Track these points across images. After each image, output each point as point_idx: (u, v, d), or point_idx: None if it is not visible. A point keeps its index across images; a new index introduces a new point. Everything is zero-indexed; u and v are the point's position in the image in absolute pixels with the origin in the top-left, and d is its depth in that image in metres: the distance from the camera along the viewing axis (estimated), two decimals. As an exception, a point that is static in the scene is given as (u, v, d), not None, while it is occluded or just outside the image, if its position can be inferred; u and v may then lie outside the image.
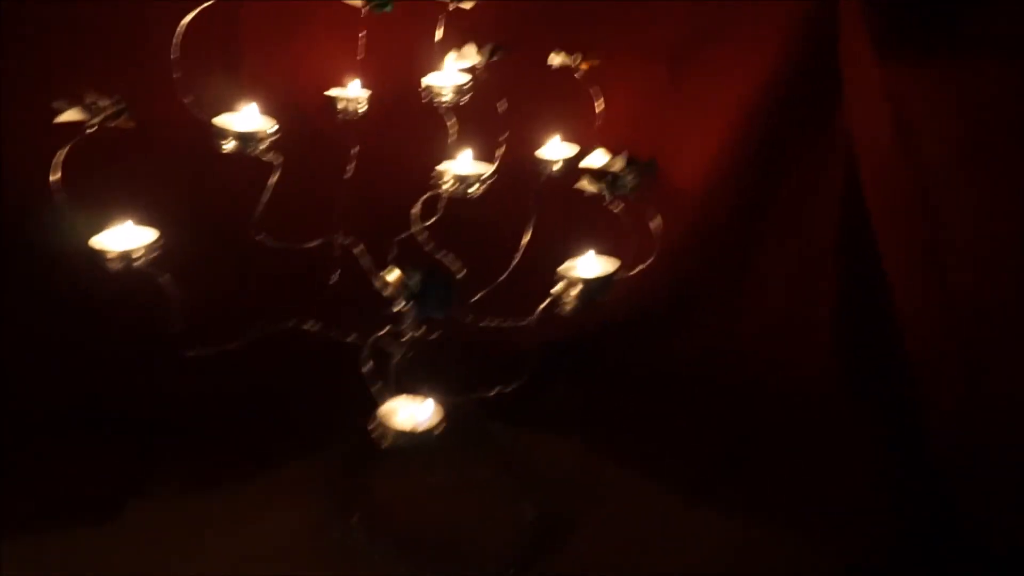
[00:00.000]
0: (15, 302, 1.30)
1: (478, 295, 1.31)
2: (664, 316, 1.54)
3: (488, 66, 1.23)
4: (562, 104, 1.39)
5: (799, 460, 1.36)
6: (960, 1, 1.10)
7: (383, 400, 1.18)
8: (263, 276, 1.38)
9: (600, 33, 1.46)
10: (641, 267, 1.08)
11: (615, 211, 1.15)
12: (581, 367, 1.58)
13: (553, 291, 1.13)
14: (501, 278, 1.31)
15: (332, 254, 1.26)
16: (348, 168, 1.29)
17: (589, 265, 1.03)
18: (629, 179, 1.13)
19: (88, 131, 0.95)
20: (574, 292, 1.00)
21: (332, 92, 1.28)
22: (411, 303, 0.89)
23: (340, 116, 1.26)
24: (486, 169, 1.14)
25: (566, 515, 1.28)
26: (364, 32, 1.28)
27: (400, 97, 1.34)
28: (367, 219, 1.30)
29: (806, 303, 1.42)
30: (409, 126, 1.39)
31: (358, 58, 1.28)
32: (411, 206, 1.30)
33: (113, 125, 0.95)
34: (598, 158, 1.12)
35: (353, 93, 1.28)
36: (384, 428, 0.94)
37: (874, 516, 1.25)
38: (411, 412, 0.95)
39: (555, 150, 1.34)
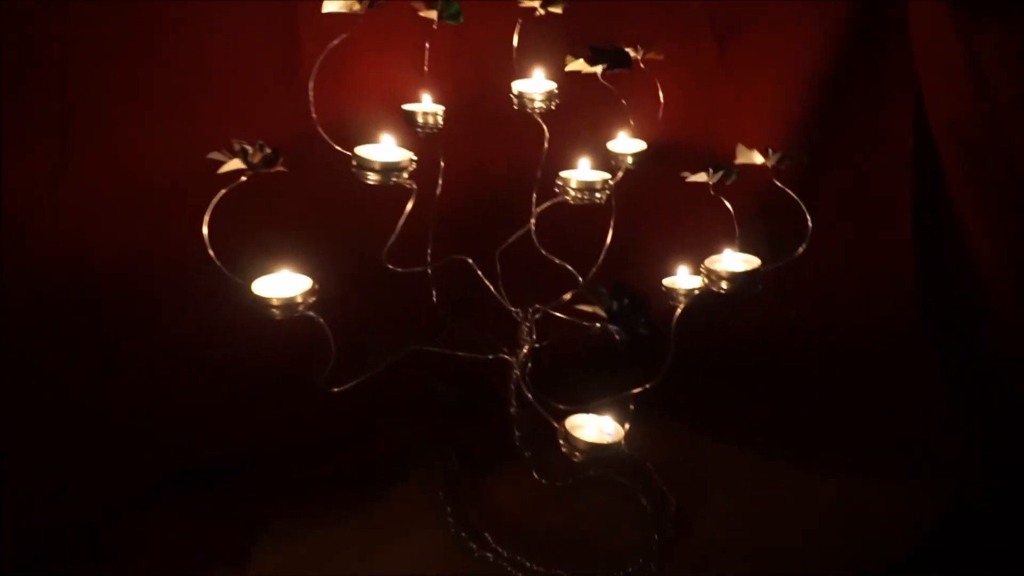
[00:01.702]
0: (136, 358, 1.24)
1: (569, 294, 1.31)
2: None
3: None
4: (614, 97, 1.41)
5: (885, 412, 1.43)
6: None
7: (515, 411, 1.21)
8: (370, 303, 1.35)
9: (645, 19, 1.48)
10: (797, 253, 1.10)
11: (725, 201, 1.17)
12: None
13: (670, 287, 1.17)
14: (591, 273, 1.32)
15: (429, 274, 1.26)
16: (438, 183, 1.26)
17: (732, 261, 1.06)
18: (734, 171, 1.15)
19: (243, 179, 0.92)
20: (725, 288, 1.02)
21: (409, 107, 1.25)
22: (616, 322, 0.90)
23: (420, 131, 1.23)
24: (608, 175, 1.14)
25: (684, 499, 1.32)
26: (428, 44, 1.25)
27: (471, 107, 1.34)
28: (460, 232, 1.30)
29: (883, 259, 1.47)
30: (484, 136, 1.38)
31: (425, 69, 1.26)
32: (496, 216, 1.31)
33: (272, 171, 0.92)
34: (747, 155, 1.14)
35: (430, 107, 1.25)
36: (574, 442, 0.95)
37: (964, 461, 1.33)
38: (597, 426, 0.96)
39: (624, 144, 1.35)
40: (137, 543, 1.21)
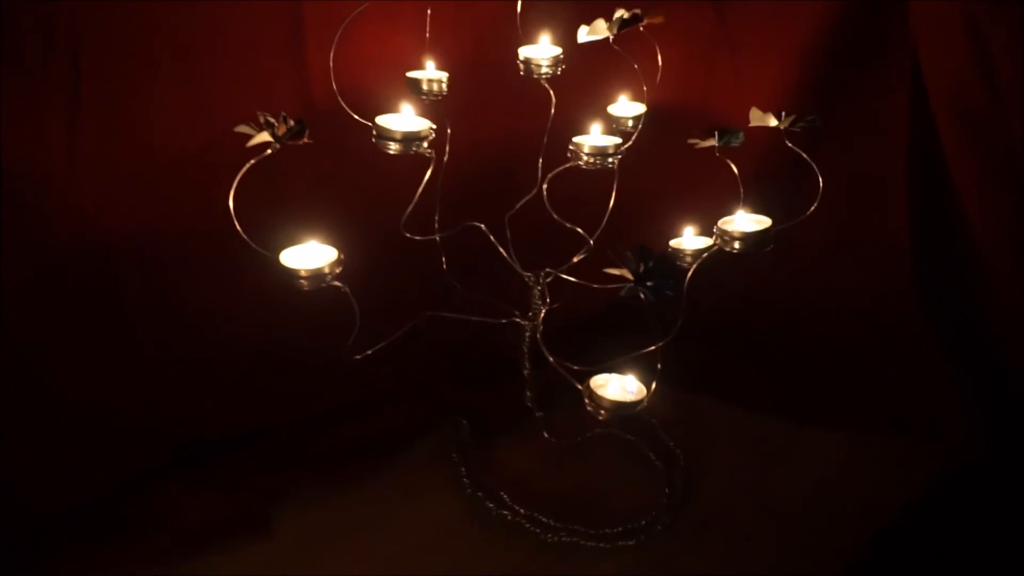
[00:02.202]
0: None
1: (574, 259, 1.34)
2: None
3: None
4: (615, 61, 1.43)
5: (883, 374, 1.48)
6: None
7: (528, 372, 1.24)
8: (383, 271, 1.36)
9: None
10: (804, 216, 1.13)
11: (731, 164, 1.20)
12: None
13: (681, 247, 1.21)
14: (592, 239, 1.34)
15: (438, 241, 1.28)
16: (445, 150, 1.27)
17: (744, 222, 1.09)
18: (739, 134, 1.18)
19: (270, 152, 0.93)
20: (738, 247, 1.05)
21: (413, 74, 1.25)
22: (644, 284, 0.92)
23: (425, 98, 1.24)
24: (619, 140, 1.16)
25: (688, 456, 1.37)
26: (429, 11, 1.26)
27: (475, 74, 1.35)
28: (467, 200, 1.31)
29: (876, 227, 1.50)
30: (488, 103, 1.39)
31: (426, 36, 1.27)
32: (504, 182, 1.33)
33: (301, 143, 0.93)
34: (762, 118, 1.17)
35: (434, 74, 1.26)
36: (599, 400, 0.98)
37: (960, 425, 1.38)
38: (620, 385, 0.99)
39: (624, 108, 1.37)
40: (159, 513, 1.23)
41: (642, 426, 1.41)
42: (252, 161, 0.91)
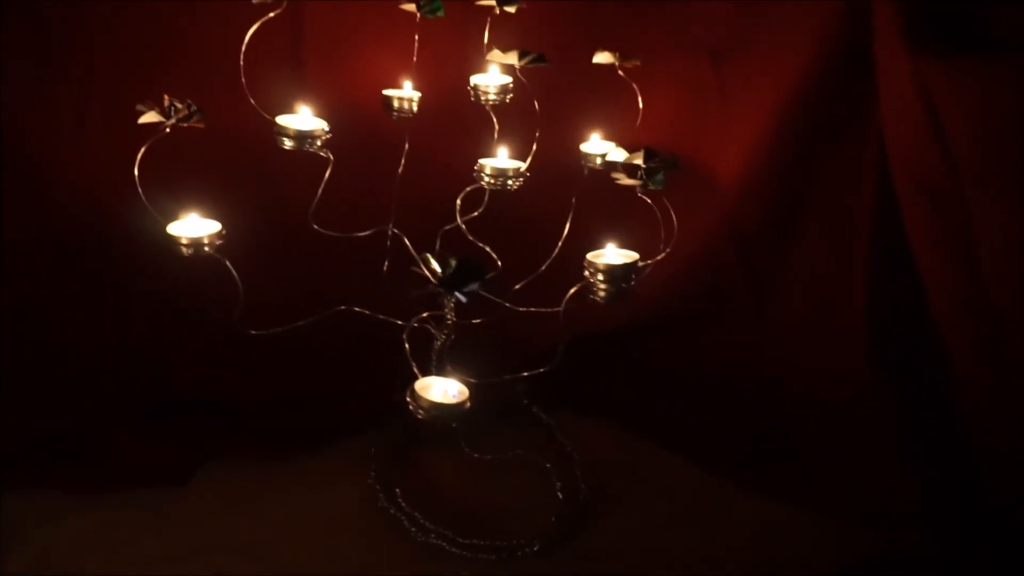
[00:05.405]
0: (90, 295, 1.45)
1: (519, 284, 1.39)
2: (697, 310, 1.58)
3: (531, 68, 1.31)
4: (606, 102, 1.48)
5: (831, 446, 1.40)
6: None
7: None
8: (320, 265, 1.48)
9: (646, 33, 1.52)
10: (659, 257, 1.14)
11: (650, 202, 1.21)
12: (617, 360, 1.64)
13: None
14: (541, 269, 1.39)
15: (384, 244, 1.37)
16: (400, 163, 1.37)
17: (613, 256, 1.10)
18: (660, 174, 1.18)
19: (165, 131, 1.06)
20: (601, 280, 1.07)
21: (387, 92, 1.36)
22: (444, 286, 0.97)
23: (394, 115, 1.34)
24: (522, 164, 1.21)
25: (603, 494, 1.36)
26: (417, 36, 1.36)
27: (449, 97, 1.44)
28: (417, 211, 1.40)
29: (839, 296, 1.43)
30: (456, 125, 1.48)
31: (413, 60, 1.37)
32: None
33: (186, 126, 1.06)
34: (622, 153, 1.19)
35: (407, 93, 1.36)
36: (419, 400, 1.02)
37: (905, 500, 1.28)
38: (444, 388, 1.04)
39: (597, 146, 1.41)
40: (101, 453, 1.38)
41: (565, 457, 1.42)
42: (149, 142, 1.06)
